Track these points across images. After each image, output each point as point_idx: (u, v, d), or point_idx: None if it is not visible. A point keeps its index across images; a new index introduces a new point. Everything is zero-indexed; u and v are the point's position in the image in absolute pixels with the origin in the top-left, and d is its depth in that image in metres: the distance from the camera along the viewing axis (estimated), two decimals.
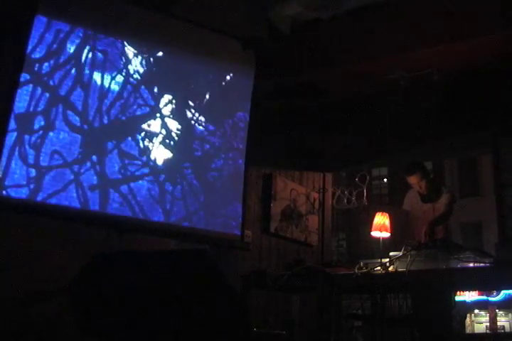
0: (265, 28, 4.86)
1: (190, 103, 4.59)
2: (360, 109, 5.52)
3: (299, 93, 5.29)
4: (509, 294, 14.16)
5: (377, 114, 5.46)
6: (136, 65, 4.39)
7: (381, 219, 4.50)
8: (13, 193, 3.68)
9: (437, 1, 4.52)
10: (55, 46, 4.02)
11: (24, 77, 3.83)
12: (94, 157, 4.04)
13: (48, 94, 3.93)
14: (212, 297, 2.14)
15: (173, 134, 4.46)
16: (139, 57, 4.41)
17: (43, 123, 3.87)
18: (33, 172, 3.76)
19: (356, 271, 3.46)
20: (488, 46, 4.46)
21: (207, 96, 4.72)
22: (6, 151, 3.67)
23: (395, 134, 5.53)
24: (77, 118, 4.03)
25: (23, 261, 3.63)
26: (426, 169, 4.78)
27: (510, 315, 15.61)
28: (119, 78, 4.28)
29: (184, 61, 4.65)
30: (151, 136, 4.34)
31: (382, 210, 4.71)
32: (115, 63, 4.28)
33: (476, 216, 15.84)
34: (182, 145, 4.49)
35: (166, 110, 4.45)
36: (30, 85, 3.86)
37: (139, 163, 4.24)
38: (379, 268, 3.44)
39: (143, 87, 4.38)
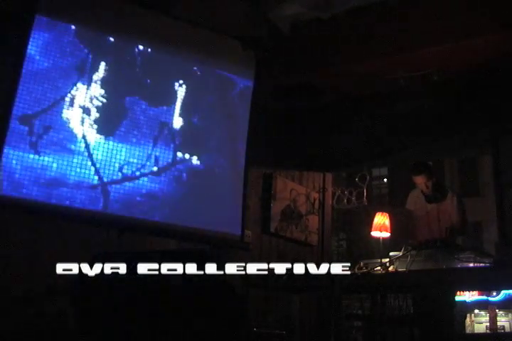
0: (265, 28, 4.86)
1: (190, 103, 4.59)
2: (360, 109, 5.52)
3: (298, 93, 5.29)
4: (509, 294, 14.11)
5: (377, 114, 5.47)
6: (136, 64, 4.39)
7: (381, 219, 4.50)
8: (13, 193, 3.68)
9: (437, 1, 4.52)
10: (55, 46, 4.02)
11: (24, 76, 3.83)
12: (94, 156, 4.04)
13: (48, 94, 3.93)
14: (213, 297, 2.14)
15: (173, 134, 4.46)
16: (138, 57, 4.41)
17: (43, 123, 3.87)
18: (33, 172, 3.76)
19: (356, 271, 3.46)
20: (488, 46, 4.46)
21: (206, 97, 4.72)
22: (6, 151, 3.67)
23: (395, 134, 5.53)
24: (78, 117, 4.03)
25: (23, 261, 3.63)
26: (432, 169, 4.78)
27: (510, 315, 15.56)
28: (119, 77, 4.28)
29: (184, 61, 4.65)
30: (151, 135, 4.34)
31: (382, 210, 4.70)
32: (114, 63, 4.28)
33: (476, 216, 15.81)
34: (182, 145, 4.49)
35: (165, 109, 4.45)
36: (31, 85, 3.86)
37: (139, 162, 4.24)
38: (379, 268, 3.44)
39: (142, 86, 4.38)
